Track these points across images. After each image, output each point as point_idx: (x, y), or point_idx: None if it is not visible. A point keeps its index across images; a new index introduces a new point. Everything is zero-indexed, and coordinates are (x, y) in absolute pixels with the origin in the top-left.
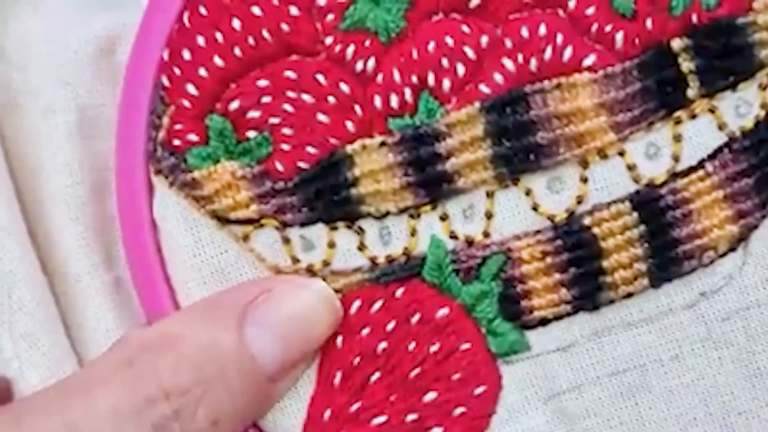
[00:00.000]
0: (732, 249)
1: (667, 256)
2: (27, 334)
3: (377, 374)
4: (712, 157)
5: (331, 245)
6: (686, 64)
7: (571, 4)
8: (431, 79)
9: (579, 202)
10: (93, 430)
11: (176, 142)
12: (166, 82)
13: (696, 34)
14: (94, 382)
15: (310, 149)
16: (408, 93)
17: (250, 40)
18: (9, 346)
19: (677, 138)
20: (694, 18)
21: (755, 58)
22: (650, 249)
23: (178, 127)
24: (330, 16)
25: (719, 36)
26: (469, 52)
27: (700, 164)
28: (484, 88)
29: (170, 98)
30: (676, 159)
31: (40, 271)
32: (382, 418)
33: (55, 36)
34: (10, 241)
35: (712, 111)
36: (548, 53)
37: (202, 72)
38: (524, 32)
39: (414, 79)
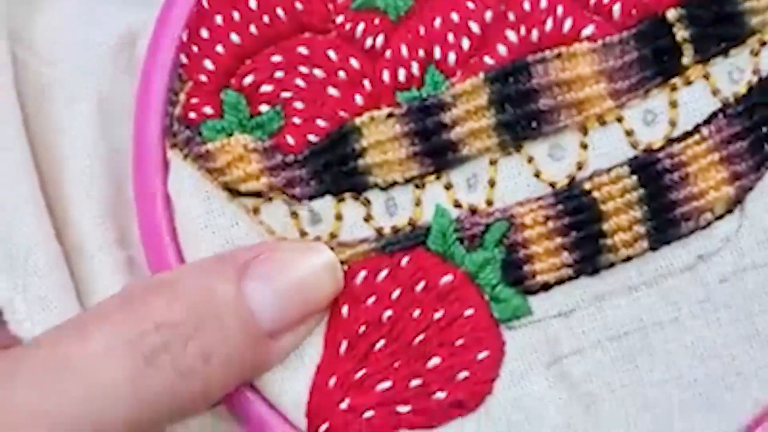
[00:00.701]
0: (729, 211)
1: (666, 218)
2: (40, 298)
3: (382, 341)
4: (707, 121)
5: (339, 217)
6: (681, 33)
7: None
8: (437, 53)
9: (579, 168)
10: (85, 361)
11: (192, 115)
12: (184, 60)
13: (689, 4)
14: (90, 320)
15: (320, 122)
16: (415, 67)
17: (265, 19)
18: (22, 308)
19: (673, 104)
20: None
21: (746, 25)
22: (649, 211)
23: (194, 101)
24: None
25: (711, 5)
26: (474, 27)
27: (696, 129)
28: (488, 60)
29: (188, 75)
30: (672, 124)
31: (55, 240)
32: (386, 384)
33: (79, 31)
34: (27, 210)
35: (706, 77)
36: (549, 25)
37: (219, 49)
38: (526, 5)
39: (421, 53)
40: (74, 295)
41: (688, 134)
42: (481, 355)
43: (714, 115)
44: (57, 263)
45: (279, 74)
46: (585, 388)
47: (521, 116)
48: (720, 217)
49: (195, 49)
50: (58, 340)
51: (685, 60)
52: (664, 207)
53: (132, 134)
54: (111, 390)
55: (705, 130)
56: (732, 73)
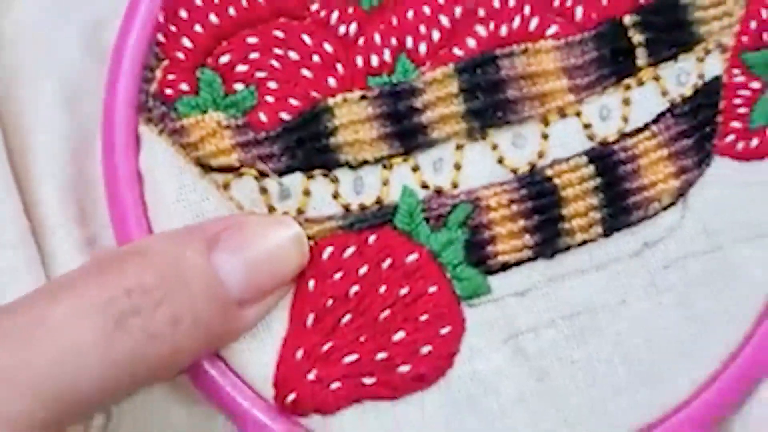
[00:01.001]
0: (673, 203)
1: (619, 206)
2: (12, 269)
3: (348, 316)
4: (656, 119)
5: (307, 193)
6: (636, 37)
7: None
8: (409, 43)
9: (540, 157)
10: (56, 324)
11: (168, 92)
12: (161, 38)
13: (645, 10)
14: (62, 286)
15: (292, 101)
16: (387, 54)
17: (243, 2)
18: None
19: (626, 101)
20: None
21: (694, 33)
22: (604, 199)
23: (170, 77)
24: None
25: (665, 13)
26: (444, 21)
27: (646, 126)
28: (457, 52)
29: (165, 53)
30: (625, 120)
31: (24, 216)
32: (353, 357)
33: (47, 17)
34: None
35: (656, 79)
36: (516, 22)
37: (198, 28)
38: (496, 3)
39: (393, 41)
40: (42, 269)
41: (639, 130)
42: (444, 331)
43: (663, 114)
44: (25, 237)
45: (254, 55)
46: (538, 363)
47: (488, 105)
48: (666, 208)
49: (173, 28)
50: (30, 304)
51: (639, 62)
52: (618, 196)
53: (100, 112)
54: (82, 351)
55: (654, 127)
56: (680, 76)
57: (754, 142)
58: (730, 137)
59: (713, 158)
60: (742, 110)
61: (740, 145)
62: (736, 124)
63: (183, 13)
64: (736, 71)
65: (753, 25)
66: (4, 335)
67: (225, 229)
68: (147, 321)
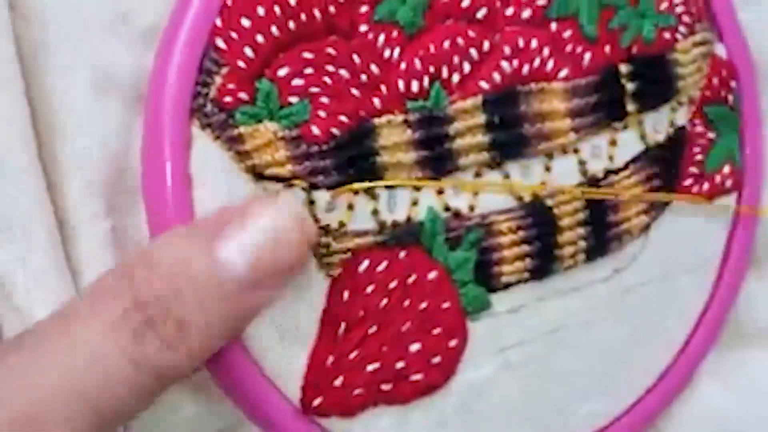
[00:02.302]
0: (638, 235)
1: (600, 237)
2: (39, 271)
3: (375, 327)
4: (634, 161)
5: (350, 207)
6: (628, 85)
7: (553, 27)
8: (445, 72)
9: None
10: (81, 343)
11: (227, 99)
12: (222, 44)
13: (636, 62)
14: (79, 304)
15: (342, 118)
16: (425, 81)
17: (303, 16)
18: (21, 281)
19: (613, 142)
20: (635, 49)
21: (674, 87)
22: (591, 230)
23: (230, 86)
24: (364, 8)
25: (653, 66)
26: (474, 53)
27: (626, 165)
28: (483, 84)
29: (225, 59)
30: (611, 159)
31: (52, 213)
32: (375, 365)
33: (73, 3)
34: (29, 182)
35: (639, 124)
36: (537, 62)
37: (260, 38)
38: (520, 42)
39: (431, 69)
40: (67, 269)
41: (620, 169)
42: (452, 343)
43: (639, 156)
44: (53, 236)
45: (309, 70)
46: (522, 372)
47: (508, 138)
48: (633, 240)
49: (234, 35)
50: (53, 324)
51: (629, 108)
52: (602, 227)
53: (131, 103)
54: (110, 366)
55: (632, 167)
56: (656, 124)
57: (706, 186)
58: (688, 180)
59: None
60: (699, 157)
61: (695, 189)
62: (693, 169)
63: (245, 22)
64: (697, 122)
65: (714, 81)
66: (32, 356)
67: (225, 218)
68: (160, 331)
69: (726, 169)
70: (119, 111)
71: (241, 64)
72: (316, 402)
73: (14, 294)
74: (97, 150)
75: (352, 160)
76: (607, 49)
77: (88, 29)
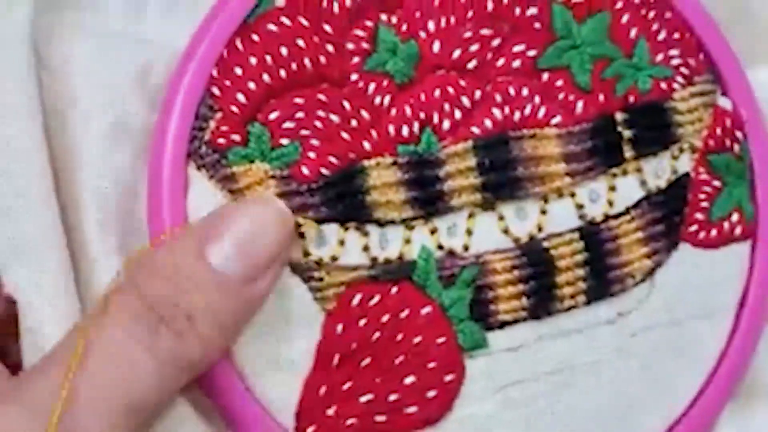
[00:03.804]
0: (643, 279)
1: (601, 279)
2: (49, 296)
3: (368, 359)
4: (635, 206)
5: (341, 243)
6: (625, 132)
7: (545, 77)
8: (435, 118)
9: (539, 230)
10: (106, 349)
11: (220, 141)
12: (216, 92)
13: (632, 110)
14: (96, 316)
15: (332, 159)
16: (416, 126)
17: (293, 66)
18: (35, 302)
19: (612, 188)
20: (631, 98)
21: (672, 134)
22: (591, 272)
23: (223, 128)
24: (356, 59)
25: (650, 114)
26: (465, 101)
27: (627, 210)
28: (475, 130)
29: (219, 105)
30: (610, 204)
31: (65, 245)
32: (369, 396)
33: (98, 60)
34: (45, 213)
35: (638, 170)
36: (528, 109)
37: (251, 85)
38: (511, 91)
39: (422, 115)
40: (77, 295)
41: (621, 214)
42: (448, 378)
43: (640, 201)
44: (65, 263)
45: (300, 114)
46: (524, 411)
47: (500, 180)
48: (637, 284)
49: (227, 83)
50: (75, 336)
51: (627, 154)
52: (601, 269)
53: (144, 151)
54: (137, 366)
55: (633, 212)
56: (657, 171)
57: (713, 232)
58: (694, 227)
59: (679, 244)
60: (704, 204)
61: (701, 235)
62: (699, 216)
63: (238, 71)
64: (701, 170)
65: (718, 131)
66: (61, 364)
67: (210, 222)
68: (172, 324)
69: (734, 217)
70: (130, 156)
71: (234, 108)
72: (309, 430)
73: (28, 316)
74: (110, 190)
75: (341, 197)
76: (601, 97)
77: (109, 84)
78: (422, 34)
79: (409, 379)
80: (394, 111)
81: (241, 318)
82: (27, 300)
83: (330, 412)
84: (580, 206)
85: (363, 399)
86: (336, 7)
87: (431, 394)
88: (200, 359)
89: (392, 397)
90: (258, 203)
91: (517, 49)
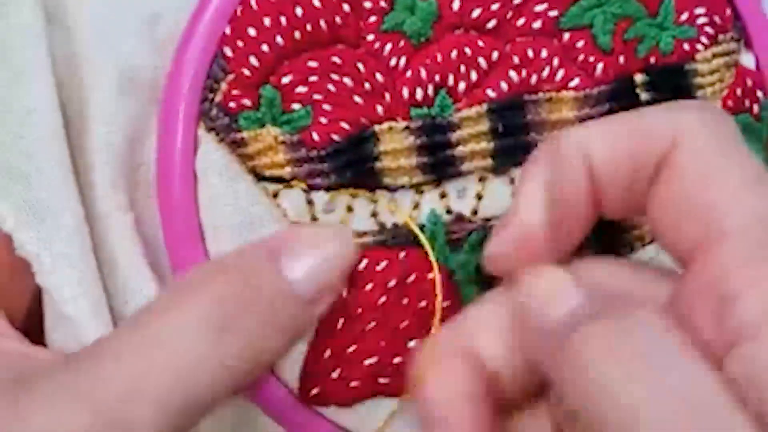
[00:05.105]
0: (651, 241)
1: (617, 241)
2: (64, 255)
3: (373, 323)
4: None
5: (349, 209)
6: (643, 95)
7: (566, 37)
8: (450, 80)
9: None
10: (170, 340)
11: (231, 105)
12: (229, 52)
13: (652, 72)
14: (164, 307)
15: (343, 125)
16: (430, 89)
17: (308, 27)
18: (48, 262)
19: None
20: (653, 60)
21: (693, 97)
22: (598, 236)
23: (235, 92)
24: (372, 18)
25: (670, 75)
26: (482, 63)
27: None
28: (490, 93)
29: (231, 67)
30: None
31: (80, 203)
32: (373, 359)
33: (105, 11)
34: (60, 173)
35: None
36: (546, 72)
37: (265, 48)
38: (530, 53)
39: (437, 77)
40: (92, 256)
41: None
42: None
43: None
44: (80, 225)
45: (313, 78)
46: None
47: (513, 145)
48: (645, 245)
49: (240, 44)
50: (140, 324)
51: None
52: (617, 232)
53: (153, 105)
54: (198, 362)
55: None
56: None
57: None
58: None
59: None
60: None
61: None
62: None
63: (252, 32)
64: None
65: (738, 92)
66: (122, 354)
67: (286, 239)
68: (240, 323)
69: None
70: (138, 108)
71: (245, 72)
72: (314, 391)
73: (41, 273)
74: (119, 142)
75: (351, 164)
76: (622, 59)
77: (118, 34)
78: None
79: (413, 343)
80: (409, 72)
81: (296, 336)
82: (42, 261)
83: (334, 375)
84: None
85: (367, 362)
86: None
87: None
88: (256, 366)
89: (396, 360)
90: (340, 235)
91: (539, 8)
